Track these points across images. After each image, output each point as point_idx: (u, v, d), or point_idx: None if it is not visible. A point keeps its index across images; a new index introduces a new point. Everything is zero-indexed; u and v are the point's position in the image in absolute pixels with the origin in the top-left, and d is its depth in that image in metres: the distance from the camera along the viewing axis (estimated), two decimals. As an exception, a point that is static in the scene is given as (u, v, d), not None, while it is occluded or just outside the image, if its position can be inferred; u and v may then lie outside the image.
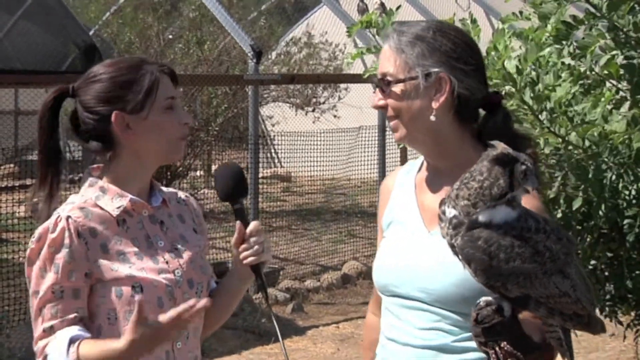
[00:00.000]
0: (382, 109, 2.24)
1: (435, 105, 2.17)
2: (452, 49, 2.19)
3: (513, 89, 3.03)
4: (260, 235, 2.35)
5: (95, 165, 2.41)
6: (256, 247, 2.34)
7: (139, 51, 11.28)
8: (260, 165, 9.00)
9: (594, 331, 1.98)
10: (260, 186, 8.91)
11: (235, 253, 2.36)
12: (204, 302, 2.12)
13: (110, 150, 2.33)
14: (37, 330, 2.25)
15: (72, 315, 2.23)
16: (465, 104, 2.18)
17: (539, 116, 3.03)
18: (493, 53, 3.07)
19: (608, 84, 3.19)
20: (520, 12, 3.33)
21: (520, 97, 2.98)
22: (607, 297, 3.37)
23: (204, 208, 9.92)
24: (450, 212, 1.91)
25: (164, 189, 2.47)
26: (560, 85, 3.03)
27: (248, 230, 2.33)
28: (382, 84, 2.22)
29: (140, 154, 2.33)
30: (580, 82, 3.14)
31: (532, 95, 3.00)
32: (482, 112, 2.26)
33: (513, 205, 1.89)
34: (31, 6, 10.66)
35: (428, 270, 2.18)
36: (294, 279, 8.83)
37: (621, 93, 3.19)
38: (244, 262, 2.34)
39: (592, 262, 3.23)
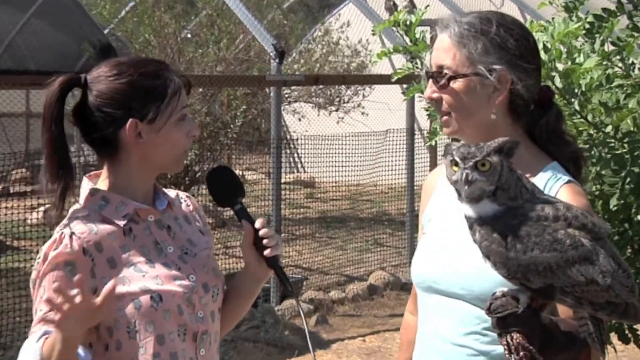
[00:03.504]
0: (435, 101, 2.23)
1: (494, 103, 2.18)
2: (515, 47, 2.18)
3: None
4: (270, 229, 2.38)
5: (92, 173, 2.38)
6: (271, 239, 2.36)
7: (155, 50, 11.22)
8: (283, 170, 8.91)
9: (635, 320, 1.96)
10: (283, 192, 8.82)
11: (250, 254, 2.38)
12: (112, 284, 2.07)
13: (114, 154, 2.30)
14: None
15: None
16: (521, 102, 2.20)
17: (570, 100, 2.93)
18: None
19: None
20: (553, 19, 3.24)
21: (547, 73, 2.86)
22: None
23: (223, 215, 9.97)
24: (463, 212, 1.96)
25: (167, 191, 2.45)
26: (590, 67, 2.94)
27: (258, 225, 2.35)
28: (439, 76, 2.19)
29: (145, 162, 2.31)
30: (617, 86, 3.03)
31: (560, 74, 2.91)
32: None
33: (497, 201, 1.89)
34: (44, 4, 10.47)
35: (475, 269, 2.15)
36: (318, 289, 8.75)
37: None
38: (265, 253, 2.34)
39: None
